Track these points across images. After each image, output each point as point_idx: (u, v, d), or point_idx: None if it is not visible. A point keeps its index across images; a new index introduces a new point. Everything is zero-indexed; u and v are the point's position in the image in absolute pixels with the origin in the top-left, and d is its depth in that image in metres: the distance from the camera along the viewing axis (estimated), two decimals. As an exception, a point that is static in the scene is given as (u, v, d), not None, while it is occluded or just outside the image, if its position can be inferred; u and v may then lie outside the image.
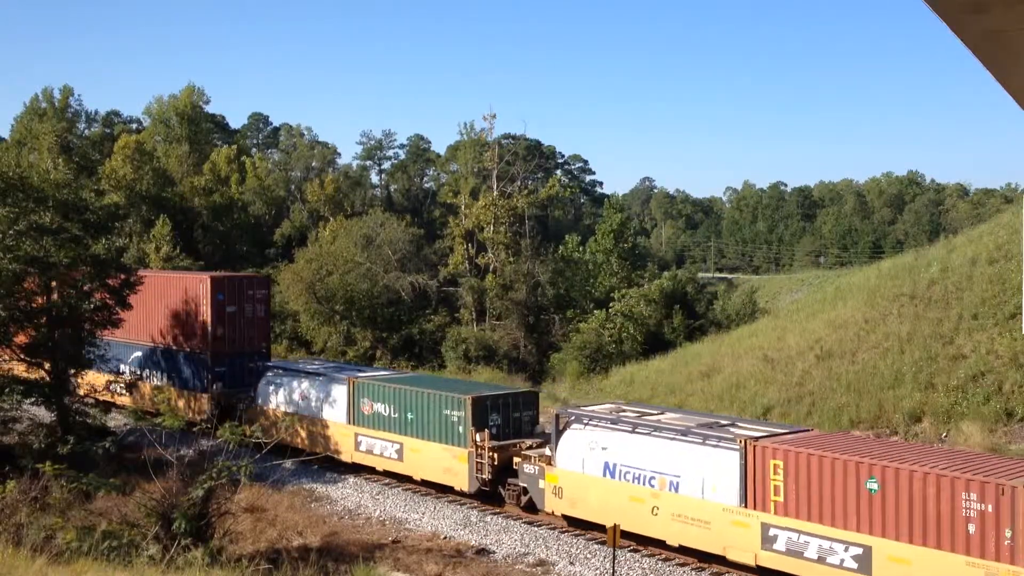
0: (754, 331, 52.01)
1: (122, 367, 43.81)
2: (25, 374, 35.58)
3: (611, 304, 62.13)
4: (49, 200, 34.57)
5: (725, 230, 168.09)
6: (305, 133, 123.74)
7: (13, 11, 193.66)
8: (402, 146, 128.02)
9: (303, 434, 36.28)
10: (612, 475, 26.32)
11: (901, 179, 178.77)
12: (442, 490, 31.69)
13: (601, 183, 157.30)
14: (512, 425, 30.97)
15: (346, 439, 34.68)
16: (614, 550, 24.30)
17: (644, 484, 25.50)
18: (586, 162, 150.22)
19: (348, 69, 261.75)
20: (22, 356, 35.27)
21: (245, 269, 72.47)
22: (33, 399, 35.07)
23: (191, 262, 70.80)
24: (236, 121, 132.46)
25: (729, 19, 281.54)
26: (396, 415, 32.70)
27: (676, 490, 24.84)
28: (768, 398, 40.37)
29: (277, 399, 37.72)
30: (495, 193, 70.81)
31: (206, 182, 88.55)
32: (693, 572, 24.71)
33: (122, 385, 41.87)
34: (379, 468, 33.62)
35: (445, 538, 27.89)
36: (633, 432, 26.37)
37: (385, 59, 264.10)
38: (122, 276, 36.96)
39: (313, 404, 36.18)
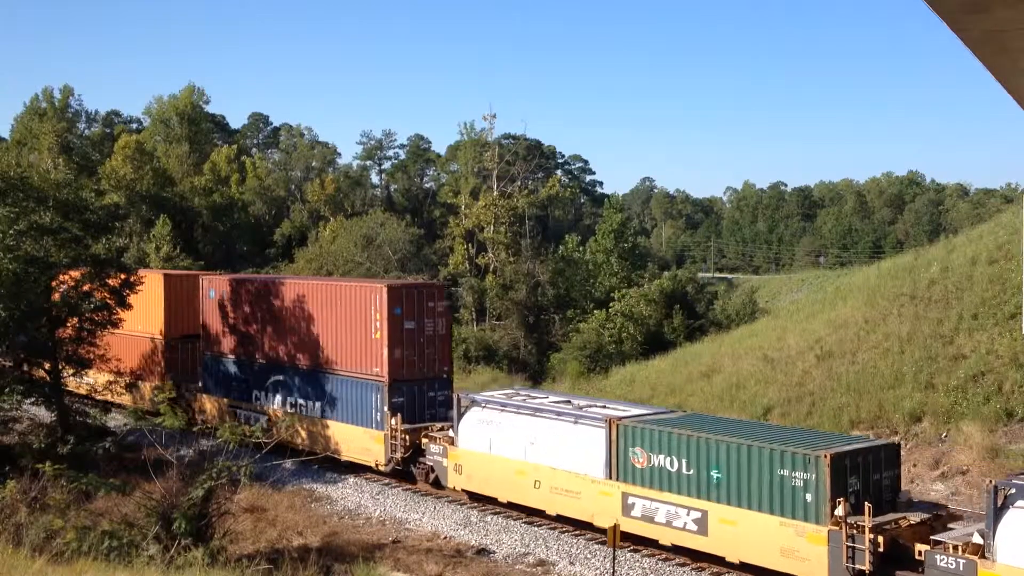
0: (754, 331, 51.94)
1: (256, 393, 38.60)
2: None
3: (611, 304, 62.11)
4: (49, 200, 34.55)
5: (725, 230, 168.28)
6: (305, 133, 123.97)
7: (13, 11, 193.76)
8: (402, 146, 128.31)
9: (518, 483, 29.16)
10: None
11: (901, 179, 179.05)
12: None
13: (601, 183, 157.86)
14: (872, 490, 22.68)
15: (606, 500, 26.56)
16: (614, 550, 24.24)
17: None
18: (586, 162, 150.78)
19: (348, 69, 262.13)
20: (22, 356, 35.27)
21: (245, 269, 72.48)
22: (33, 399, 35.08)
23: (191, 262, 70.81)
24: (236, 121, 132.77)
25: (728, 19, 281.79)
26: (690, 471, 24.68)
27: None
28: (768, 398, 40.31)
29: (489, 441, 29.97)
30: (495, 193, 70.89)
31: (206, 182, 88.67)
32: (693, 572, 24.63)
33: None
34: (664, 542, 25.32)
35: (445, 538, 27.86)
36: None
37: (385, 59, 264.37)
38: (122, 276, 36.94)
39: (549, 450, 28.22)
